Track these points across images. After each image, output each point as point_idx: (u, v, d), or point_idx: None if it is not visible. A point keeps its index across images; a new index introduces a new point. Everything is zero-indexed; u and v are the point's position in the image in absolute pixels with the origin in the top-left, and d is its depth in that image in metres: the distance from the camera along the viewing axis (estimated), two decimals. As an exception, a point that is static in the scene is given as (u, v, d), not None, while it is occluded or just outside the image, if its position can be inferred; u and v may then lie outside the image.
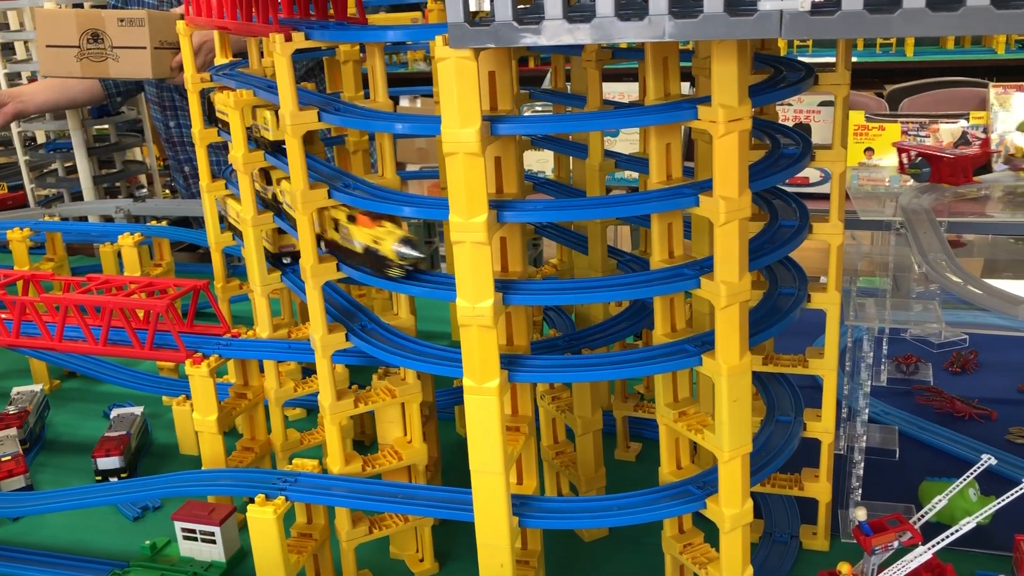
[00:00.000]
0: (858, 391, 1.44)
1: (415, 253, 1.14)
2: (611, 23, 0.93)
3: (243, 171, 1.45)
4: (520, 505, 1.21)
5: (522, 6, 0.98)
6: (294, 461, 1.38)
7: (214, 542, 1.45)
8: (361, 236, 1.17)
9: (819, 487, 1.42)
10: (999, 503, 1.29)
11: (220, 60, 1.64)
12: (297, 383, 1.59)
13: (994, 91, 4.37)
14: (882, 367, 1.99)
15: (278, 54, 1.17)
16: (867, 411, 1.42)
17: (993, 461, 1.33)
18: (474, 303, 1.07)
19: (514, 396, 1.27)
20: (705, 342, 1.16)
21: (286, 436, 1.58)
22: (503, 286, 1.12)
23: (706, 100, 1.04)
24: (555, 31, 0.95)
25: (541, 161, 4.01)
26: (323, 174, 1.28)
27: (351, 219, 1.19)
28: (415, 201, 1.17)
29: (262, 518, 1.27)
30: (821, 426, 1.39)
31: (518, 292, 1.12)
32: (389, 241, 1.14)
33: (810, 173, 4.42)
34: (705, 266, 1.13)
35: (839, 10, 0.87)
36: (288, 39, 1.17)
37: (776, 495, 1.51)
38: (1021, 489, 1.27)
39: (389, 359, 1.23)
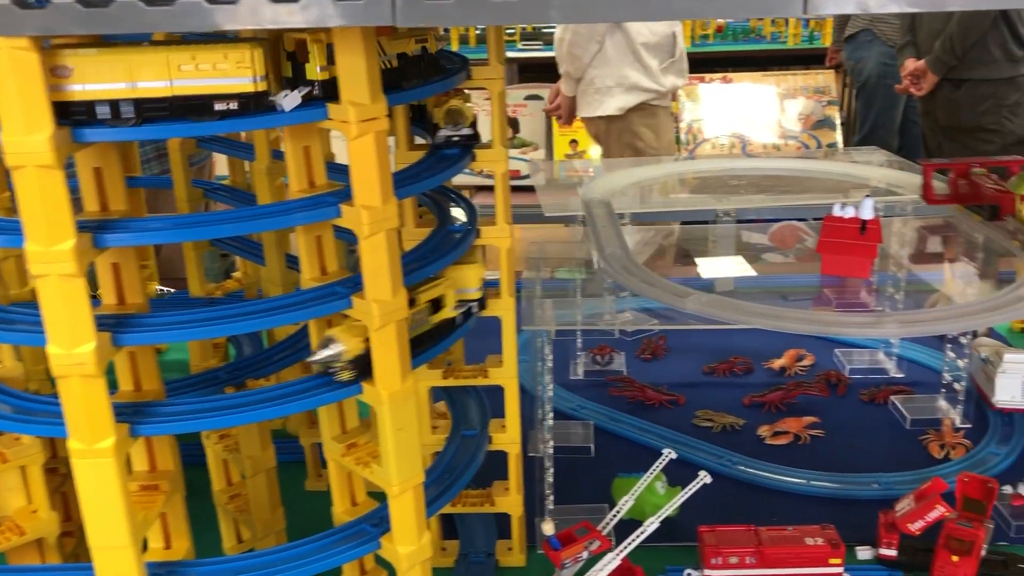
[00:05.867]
0: (544, 395, 1.39)
1: None
2: (209, 11, 0.78)
3: None
4: (166, 574, 1.03)
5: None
6: None
7: None
8: None
9: (510, 501, 1.36)
10: (681, 497, 1.29)
11: None
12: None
13: (680, 83, 4.62)
14: (578, 360, 2.00)
15: None
16: (551, 416, 1.38)
17: (673, 455, 1.34)
18: (70, 349, 0.88)
19: (151, 449, 1.08)
20: (366, 367, 1.04)
21: None
22: (116, 323, 0.93)
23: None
24: (130, 16, 0.78)
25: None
26: None
27: None
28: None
29: None
30: (507, 437, 1.32)
31: (133, 330, 0.93)
32: None
33: (521, 166, 4.50)
34: (358, 283, 1.01)
35: (460, -5, 0.77)
36: None
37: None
38: (700, 482, 1.28)
39: (-28, 420, 1.00)
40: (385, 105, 0.93)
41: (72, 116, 0.87)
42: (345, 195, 0.97)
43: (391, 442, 1.02)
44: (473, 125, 1.16)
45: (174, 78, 0.88)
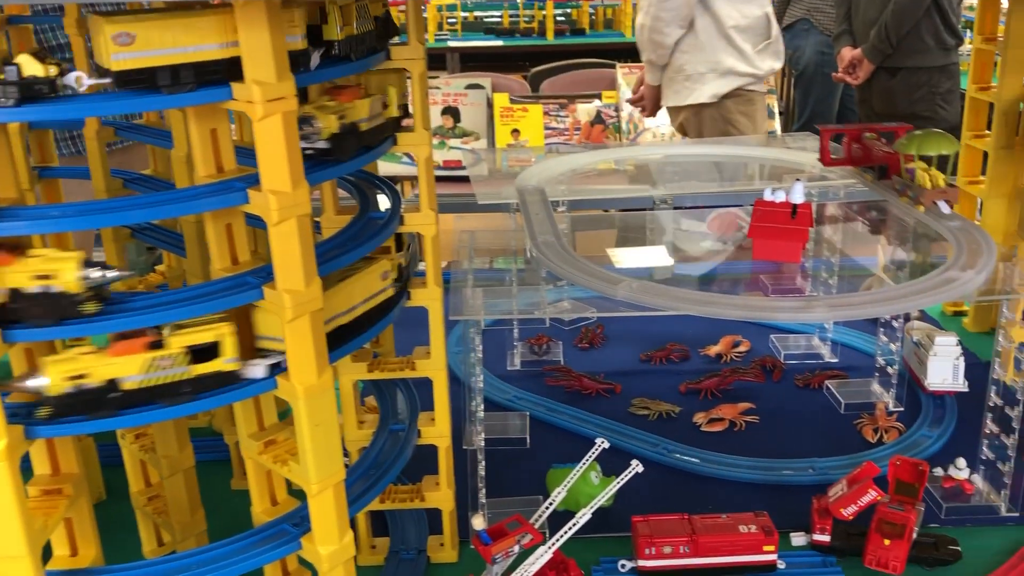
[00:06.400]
0: (475, 386, 1.36)
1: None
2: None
3: None
4: (72, 583, 0.98)
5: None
6: None
7: None
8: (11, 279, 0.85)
9: (440, 496, 1.32)
10: (613, 487, 1.27)
11: None
12: None
13: (621, 71, 4.64)
14: (515, 350, 1.97)
15: None
16: (482, 408, 1.34)
17: (606, 445, 1.31)
18: (-47, 346, 0.82)
19: (52, 451, 1.02)
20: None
21: None
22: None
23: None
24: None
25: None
26: None
27: None
28: None
29: None
30: (436, 431, 1.29)
31: (25, 325, 0.87)
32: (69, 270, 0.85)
33: (463, 156, 4.44)
34: (271, 273, 0.96)
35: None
36: None
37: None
38: (632, 471, 1.26)
39: None
40: (293, 84, 0.88)
41: (134, 84, 0.85)
42: (255, 180, 0.92)
43: (308, 439, 0.98)
44: (335, 137, 1.00)
45: (228, 40, 0.86)
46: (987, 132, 1.96)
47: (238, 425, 1.09)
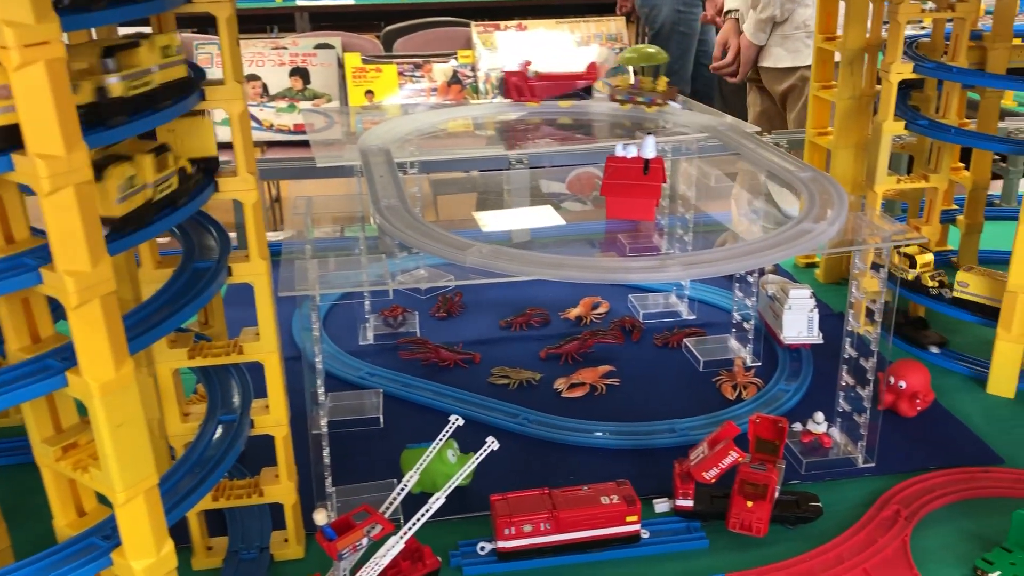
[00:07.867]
0: (315, 366, 1.25)
1: None
2: None
3: None
4: None
5: None
6: None
7: None
8: None
9: (281, 489, 1.21)
10: (470, 466, 1.19)
11: None
12: None
13: (476, 30, 4.54)
14: (367, 324, 1.86)
15: None
16: (323, 390, 1.24)
17: (460, 422, 1.23)
18: None
19: None
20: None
21: None
22: None
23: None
24: None
25: None
26: None
27: None
28: None
29: None
30: (272, 419, 1.17)
31: None
32: None
33: (305, 117, 4.23)
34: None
35: None
36: None
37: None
38: (487, 449, 1.18)
39: None
40: (58, 26, 0.74)
41: None
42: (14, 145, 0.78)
43: (109, 442, 0.85)
44: None
45: None
46: (834, 83, 1.97)
47: (28, 428, 0.95)
